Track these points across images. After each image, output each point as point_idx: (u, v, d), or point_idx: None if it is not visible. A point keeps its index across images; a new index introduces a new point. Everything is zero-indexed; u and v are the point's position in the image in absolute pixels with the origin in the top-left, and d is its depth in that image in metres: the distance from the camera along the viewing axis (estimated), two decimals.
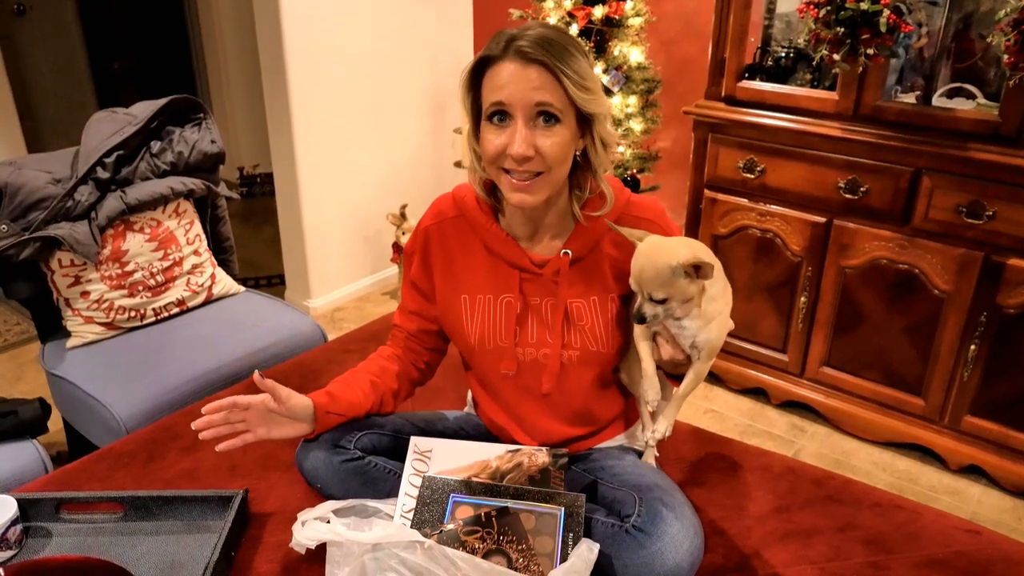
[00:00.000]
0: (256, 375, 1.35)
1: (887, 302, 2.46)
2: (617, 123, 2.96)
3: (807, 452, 2.59)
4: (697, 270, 1.25)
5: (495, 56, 1.26)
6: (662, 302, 1.28)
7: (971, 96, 2.28)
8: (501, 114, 1.26)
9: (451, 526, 1.28)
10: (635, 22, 2.91)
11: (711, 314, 1.32)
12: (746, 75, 2.62)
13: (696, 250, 1.27)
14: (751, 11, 2.54)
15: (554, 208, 1.39)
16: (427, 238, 1.49)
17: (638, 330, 1.39)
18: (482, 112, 1.30)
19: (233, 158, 5.13)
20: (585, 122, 1.31)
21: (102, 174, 2.16)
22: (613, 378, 1.51)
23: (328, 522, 1.31)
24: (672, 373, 1.43)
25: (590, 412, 1.51)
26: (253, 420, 1.37)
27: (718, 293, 1.33)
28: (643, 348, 1.38)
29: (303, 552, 1.34)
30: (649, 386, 1.37)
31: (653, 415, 1.47)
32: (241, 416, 1.36)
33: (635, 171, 3.09)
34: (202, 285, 2.37)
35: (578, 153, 1.35)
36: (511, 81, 1.24)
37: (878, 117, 2.35)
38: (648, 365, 1.38)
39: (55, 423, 2.15)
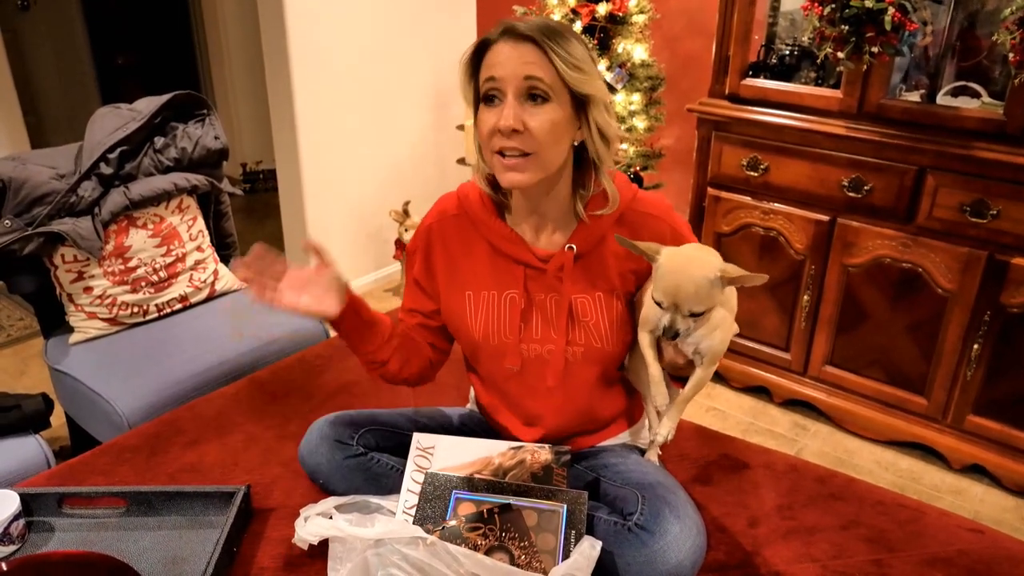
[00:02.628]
0: (305, 241, 1.35)
1: (890, 301, 2.45)
2: (620, 120, 2.96)
3: (809, 451, 2.59)
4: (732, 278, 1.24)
5: (491, 39, 1.28)
6: (698, 315, 1.26)
7: (976, 95, 2.28)
8: (494, 93, 1.28)
9: (453, 522, 1.28)
10: (639, 19, 2.91)
11: (716, 321, 1.30)
12: (750, 73, 2.62)
13: (717, 257, 1.26)
14: (755, 8, 2.54)
15: (556, 198, 1.38)
16: (430, 236, 1.49)
17: (642, 335, 1.38)
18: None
19: (236, 154, 5.13)
20: (581, 108, 1.31)
21: (105, 170, 2.17)
22: (617, 375, 1.51)
23: (331, 518, 1.32)
24: (675, 375, 1.43)
25: (593, 409, 1.50)
26: (284, 285, 1.33)
27: (725, 299, 1.32)
28: (648, 354, 1.37)
29: (305, 548, 1.34)
30: (657, 391, 1.36)
31: (659, 414, 1.47)
32: (273, 272, 1.32)
33: (638, 168, 3.08)
34: (205, 281, 2.37)
35: (577, 144, 1.34)
36: (503, 58, 1.26)
37: (882, 115, 2.35)
38: (655, 370, 1.37)
39: (58, 418, 2.15)
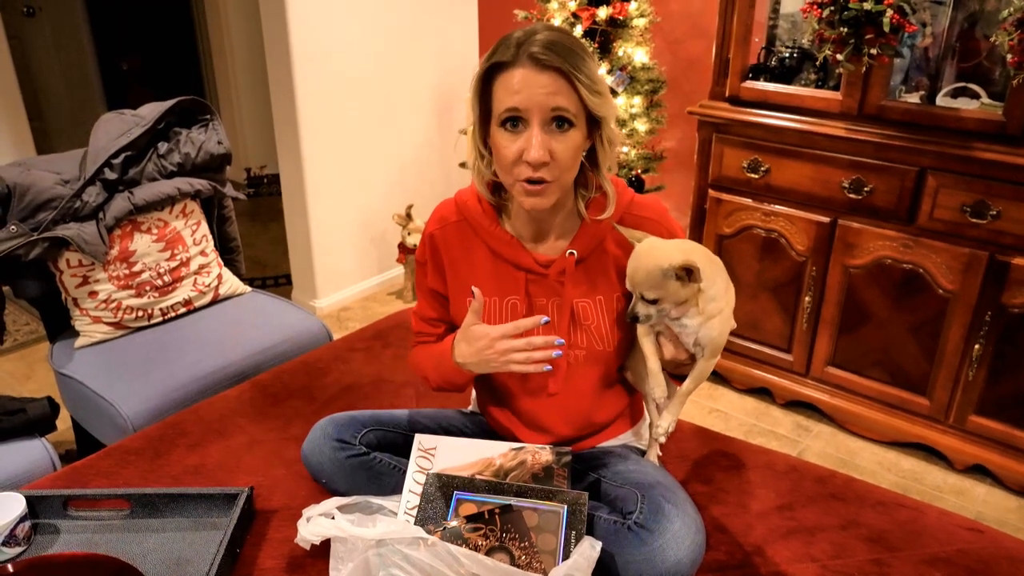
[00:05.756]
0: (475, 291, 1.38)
1: (892, 301, 2.46)
2: (622, 124, 2.97)
3: (812, 452, 2.59)
4: (689, 273, 1.26)
5: (507, 62, 1.25)
6: (653, 302, 1.30)
7: (975, 96, 2.28)
8: (515, 120, 1.26)
9: (454, 523, 1.29)
10: (639, 23, 2.92)
11: (711, 312, 1.33)
12: (750, 75, 2.62)
13: (690, 254, 1.28)
14: (755, 11, 2.55)
15: (560, 210, 1.40)
16: (434, 243, 1.49)
17: (641, 329, 1.40)
18: (492, 116, 1.30)
19: (240, 159, 5.15)
20: (594, 124, 1.32)
21: (110, 175, 2.18)
22: (618, 377, 1.52)
23: (332, 518, 1.33)
24: (676, 373, 1.44)
25: (595, 411, 1.51)
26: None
27: (719, 293, 1.34)
28: (647, 347, 1.40)
29: (308, 548, 1.35)
30: (655, 384, 1.39)
31: (659, 408, 1.48)
32: None
33: (640, 171, 3.09)
34: (209, 285, 2.38)
35: (584, 152, 1.35)
36: (526, 87, 1.23)
37: (882, 117, 2.35)
38: (653, 363, 1.39)
39: (63, 422, 2.17)
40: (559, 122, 1.25)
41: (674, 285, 1.28)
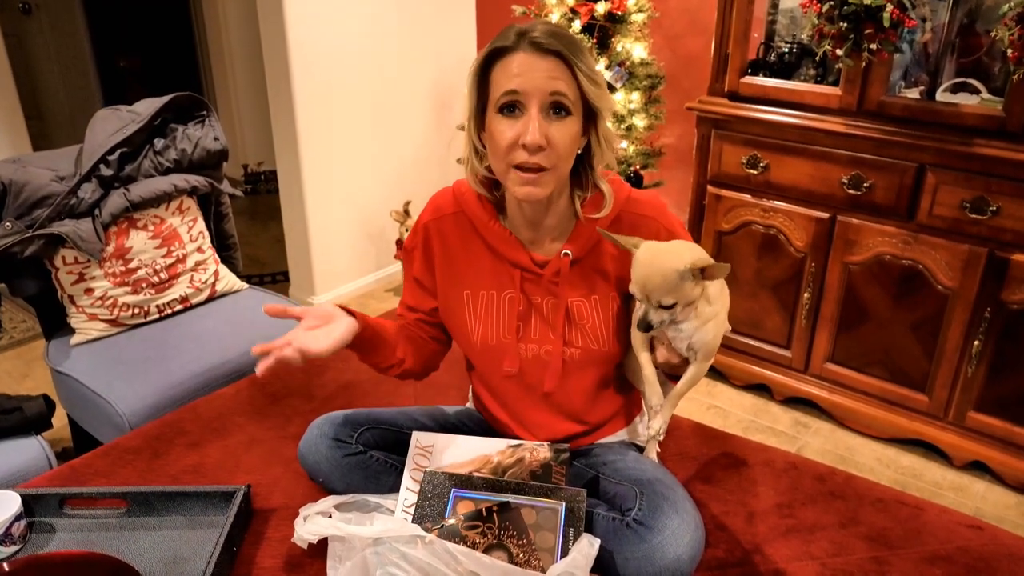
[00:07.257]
0: (266, 307, 1.33)
1: (891, 298, 2.45)
2: (620, 119, 2.96)
3: (811, 448, 2.59)
4: (703, 271, 1.25)
5: (507, 47, 1.25)
6: (669, 307, 1.27)
7: (975, 91, 2.28)
8: (512, 105, 1.25)
9: (452, 521, 1.28)
10: (638, 18, 2.91)
11: (707, 315, 1.31)
12: (750, 71, 2.62)
13: (696, 251, 1.27)
14: (754, 6, 2.54)
15: (555, 209, 1.38)
16: (427, 233, 1.48)
17: (636, 336, 1.38)
18: (489, 104, 1.29)
19: (238, 155, 5.14)
20: (590, 118, 1.31)
21: (106, 171, 2.17)
22: (615, 374, 1.51)
23: (330, 517, 1.32)
24: (672, 373, 1.43)
25: (591, 410, 1.51)
26: (305, 333, 1.32)
27: (715, 295, 1.32)
28: (642, 354, 1.38)
29: (305, 547, 1.34)
30: (651, 392, 1.38)
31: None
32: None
33: (639, 167, 3.08)
34: (205, 282, 2.38)
35: (580, 150, 1.34)
36: (526, 70, 1.23)
37: (882, 112, 2.34)
38: (648, 370, 1.38)
39: (60, 419, 2.16)
40: (557, 108, 1.25)
41: (689, 285, 1.26)
